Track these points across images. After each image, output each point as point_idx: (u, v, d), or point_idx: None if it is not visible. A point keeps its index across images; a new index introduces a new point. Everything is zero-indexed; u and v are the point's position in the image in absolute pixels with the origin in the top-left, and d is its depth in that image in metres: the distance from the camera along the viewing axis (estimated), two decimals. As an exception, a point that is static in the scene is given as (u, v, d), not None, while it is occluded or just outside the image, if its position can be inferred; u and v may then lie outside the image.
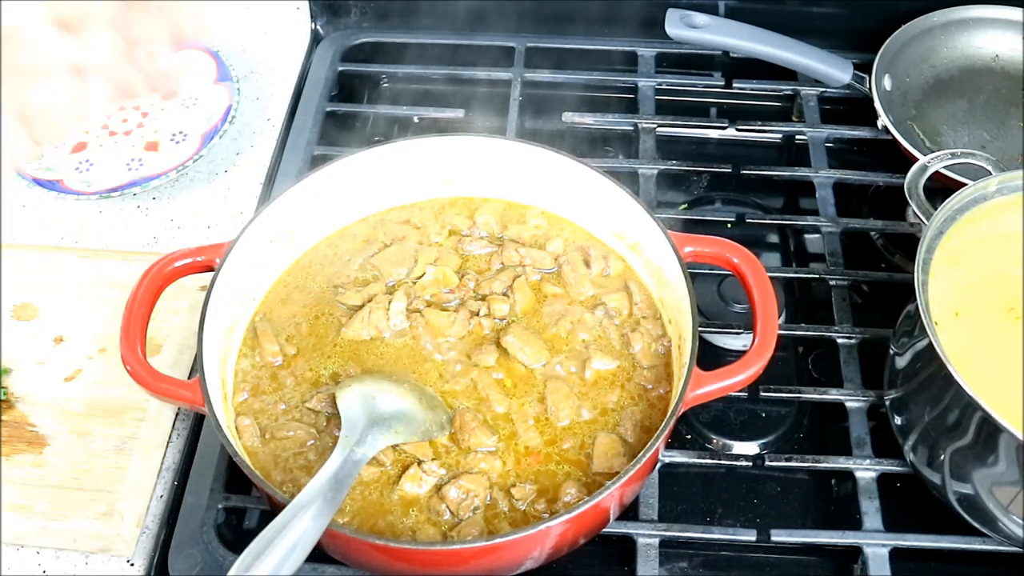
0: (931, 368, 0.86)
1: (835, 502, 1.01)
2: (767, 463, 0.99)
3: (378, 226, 1.08)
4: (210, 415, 0.86)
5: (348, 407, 0.89)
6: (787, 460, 1.00)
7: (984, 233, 0.93)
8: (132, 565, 0.95)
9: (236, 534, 0.96)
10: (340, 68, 1.37)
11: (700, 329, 0.90)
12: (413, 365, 0.97)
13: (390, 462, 0.90)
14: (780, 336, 0.91)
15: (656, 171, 1.22)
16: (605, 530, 0.92)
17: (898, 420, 0.95)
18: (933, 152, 1.04)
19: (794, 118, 1.33)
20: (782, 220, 1.21)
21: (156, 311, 0.93)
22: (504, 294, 1.01)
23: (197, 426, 1.02)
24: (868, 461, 0.98)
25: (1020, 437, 0.78)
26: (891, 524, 0.94)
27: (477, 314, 1.00)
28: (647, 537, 0.93)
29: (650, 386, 0.95)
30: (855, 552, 0.94)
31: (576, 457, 0.91)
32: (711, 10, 1.30)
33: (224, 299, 0.95)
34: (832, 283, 1.11)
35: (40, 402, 1.04)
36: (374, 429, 0.87)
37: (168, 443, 1.02)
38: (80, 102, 0.72)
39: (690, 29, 1.26)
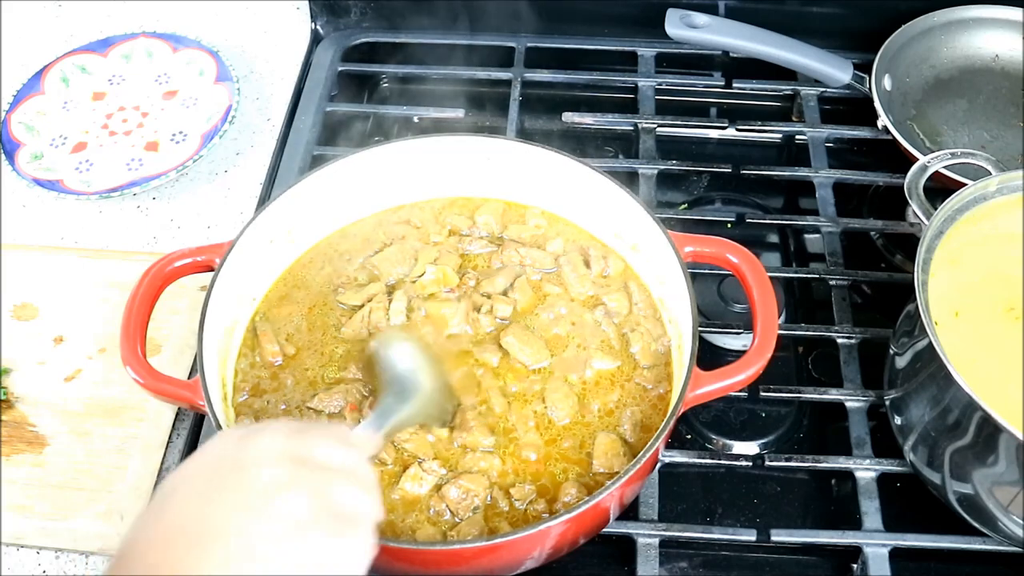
0: (931, 368, 0.86)
1: (835, 502, 1.01)
2: (767, 463, 0.99)
3: (378, 226, 1.08)
4: (210, 415, 0.86)
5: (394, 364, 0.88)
6: (787, 460, 0.99)
7: (984, 233, 0.93)
8: (132, 565, 0.95)
9: (236, 534, 0.96)
10: (340, 68, 1.37)
11: (700, 329, 0.90)
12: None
13: (391, 461, 0.90)
14: (780, 336, 0.90)
15: (656, 171, 1.22)
16: (605, 530, 0.91)
17: (898, 420, 0.95)
18: (933, 152, 1.04)
19: (794, 118, 1.33)
20: (782, 220, 1.21)
21: (156, 311, 0.93)
22: (504, 293, 1.01)
23: (197, 426, 1.02)
24: (868, 461, 0.98)
25: (1020, 437, 0.78)
26: (891, 524, 0.94)
27: (478, 310, 1.00)
28: (647, 537, 0.93)
29: (650, 386, 0.95)
30: (855, 552, 0.94)
31: (576, 457, 0.91)
32: (711, 10, 1.30)
33: (224, 299, 0.95)
34: (832, 283, 1.11)
35: (40, 402, 1.04)
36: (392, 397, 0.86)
37: (168, 443, 1.02)
38: None
39: (690, 29, 1.26)
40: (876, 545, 0.93)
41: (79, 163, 1.26)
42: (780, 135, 1.30)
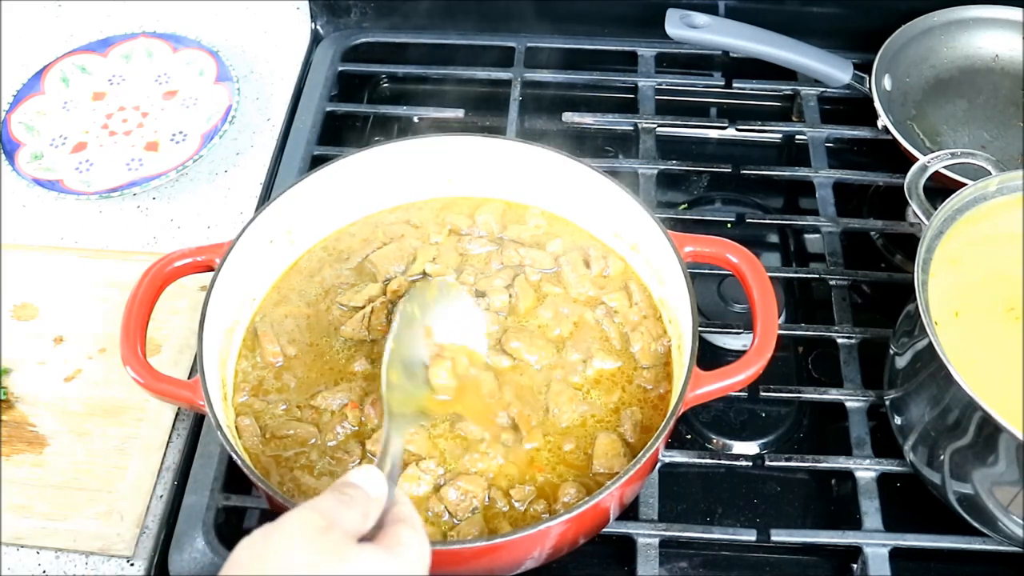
0: (931, 368, 0.86)
1: (835, 502, 1.01)
2: (767, 463, 0.99)
3: (377, 226, 1.08)
4: (210, 415, 0.86)
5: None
6: (787, 460, 0.99)
7: (984, 233, 0.93)
8: (132, 565, 0.95)
9: (236, 534, 0.96)
10: (340, 68, 1.37)
11: (700, 329, 0.90)
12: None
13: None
14: (780, 336, 0.91)
15: (656, 171, 1.22)
16: (605, 530, 0.92)
17: (898, 420, 0.95)
18: (933, 152, 1.04)
19: (794, 118, 1.33)
20: (782, 220, 1.21)
21: (156, 311, 0.93)
22: (505, 287, 1.01)
23: (197, 426, 1.02)
24: (868, 461, 0.98)
25: (1020, 437, 0.78)
26: (891, 524, 0.94)
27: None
28: (647, 537, 0.93)
29: (650, 386, 0.95)
30: (855, 552, 0.94)
31: (576, 457, 0.91)
32: (711, 10, 1.30)
33: (224, 299, 0.95)
34: (832, 283, 1.11)
35: (40, 402, 1.04)
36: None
37: (168, 443, 1.02)
38: None
39: (690, 29, 1.26)
40: (876, 545, 0.93)
41: (79, 163, 1.26)
42: (780, 135, 1.30)
